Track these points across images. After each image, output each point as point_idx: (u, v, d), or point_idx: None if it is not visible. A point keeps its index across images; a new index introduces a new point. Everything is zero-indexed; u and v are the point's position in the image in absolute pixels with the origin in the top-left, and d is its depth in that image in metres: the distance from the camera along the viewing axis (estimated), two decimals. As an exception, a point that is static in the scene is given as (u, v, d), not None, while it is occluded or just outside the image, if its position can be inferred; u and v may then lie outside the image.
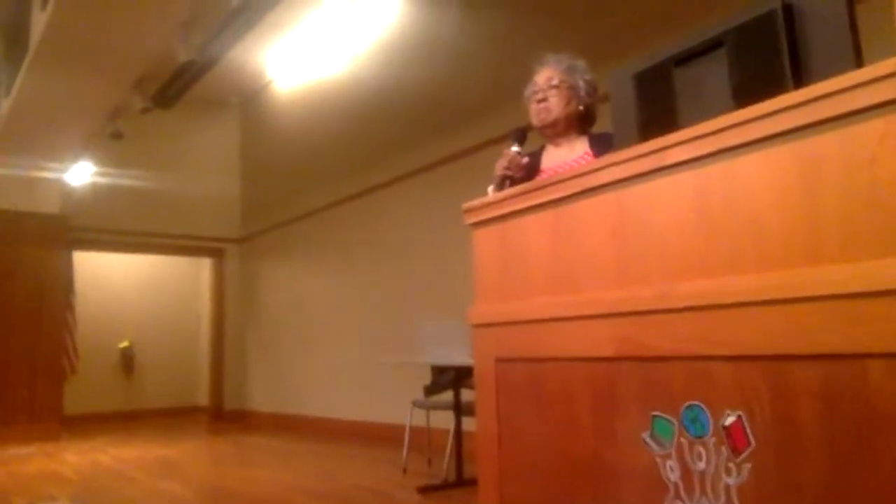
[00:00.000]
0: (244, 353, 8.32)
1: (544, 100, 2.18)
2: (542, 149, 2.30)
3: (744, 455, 1.04)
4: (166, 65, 5.72)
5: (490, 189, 2.03)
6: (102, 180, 7.39)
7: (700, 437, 1.09)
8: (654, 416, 1.15)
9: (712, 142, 1.10)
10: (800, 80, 1.12)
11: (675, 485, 1.12)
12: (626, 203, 1.25)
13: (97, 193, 7.44)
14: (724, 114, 1.11)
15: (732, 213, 1.08)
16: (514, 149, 2.05)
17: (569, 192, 1.37)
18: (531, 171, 2.17)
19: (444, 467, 3.92)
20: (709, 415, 1.09)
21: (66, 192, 7.26)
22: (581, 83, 2.21)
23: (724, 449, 1.06)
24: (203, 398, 9.04)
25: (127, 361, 9.08)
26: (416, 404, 4.26)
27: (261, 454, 5.64)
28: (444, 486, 3.73)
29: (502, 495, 1.44)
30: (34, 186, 6.97)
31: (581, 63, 2.26)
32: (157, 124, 7.24)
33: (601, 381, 1.26)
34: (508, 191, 1.55)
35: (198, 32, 5.34)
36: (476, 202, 1.63)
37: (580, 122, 2.23)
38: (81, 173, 7.19)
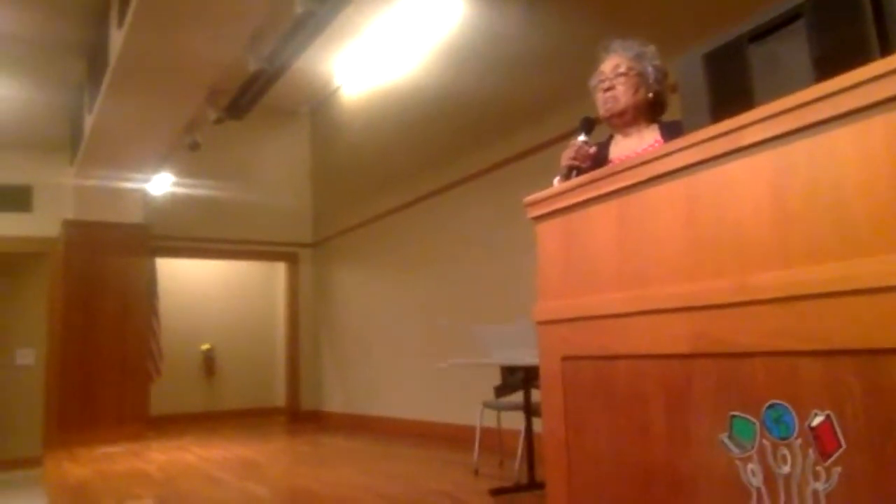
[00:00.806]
0: (318, 354, 8.47)
1: (611, 88, 2.09)
2: (609, 139, 2.21)
3: (833, 458, 0.95)
4: (237, 76, 5.89)
5: (556, 181, 1.97)
6: (181, 190, 7.68)
7: (784, 439, 1.01)
8: (733, 417, 1.07)
9: (795, 117, 1.01)
10: (887, 49, 1.02)
11: (758, 490, 1.04)
12: (699, 189, 1.17)
13: (176, 202, 7.73)
14: (805, 89, 1.02)
15: (815, 196, 0.99)
16: (581, 138, 1.98)
17: (636, 180, 1.30)
18: (599, 161, 2.09)
19: (516, 469, 3.87)
20: (794, 414, 1.00)
21: (147, 202, 7.57)
22: (650, 69, 2.11)
23: (811, 451, 0.98)
24: (280, 399, 9.26)
25: (208, 364, 9.40)
26: (486, 405, 4.22)
27: (336, 455, 5.71)
28: (517, 489, 3.67)
29: (571, 499, 1.39)
30: (118, 198, 7.30)
31: (650, 48, 2.15)
32: (231, 134, 7.47)
33: (675, 380, 1.18)
34: (571, 181, 1.49)
35: (266, 42, 5.47)
36: (538, 195, 1.58)
37: (650, 110, 2.13)
38: (161, 184, 7.48)
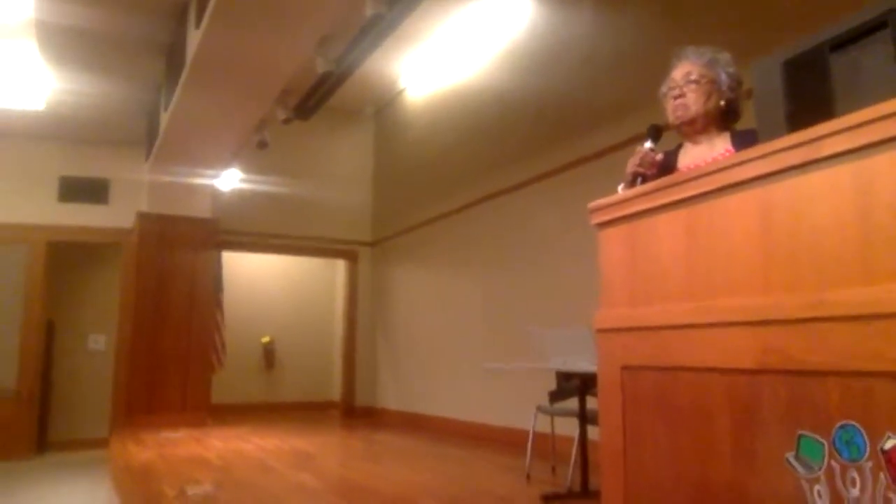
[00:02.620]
0: (374, 351, 8.57)
1: (682, 96, 2.04)
2: (678, 147, 2.17)
3: (908, 484, 0.91)
4: (306, 77, 6.03)
5: (620, 188, 1.94)
6: (248, 186, 7.90)
7: (854, 461, 0.97)
8: (801, 436, 1.04)
9: (878, 129, 0.97)
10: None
11: (826, 513, 1.00)
12: (773, 200, 1.14)
13: (243, 198, 7.95)
14: (890, 100, 0.98)
15: (900, 210, 0.95)
16: (648, 145, 1.96)
17: (707, 189, 1.27)
18: (666, 169, 2.04)
19: (569, 476, 3.83)
20: (866, 436, 0.96)
21: (216, 198, 7.81)
22: (723, 76, 2.05)
23: (882, 476, 0.94)
24: (336, 394, 9.40)
25: (268, 356, 9.64)
26: (540, 410, 4.19)
27: (388, 452, 5.77)
28: (569, 496, 3.63)
29: (628, 510, 1.37)
30: (189, 192, 7.56)
31: (724, 56, 2.09)
32: (297, 133, 7.64)
33: (740, 395, 1.15)
34: (639, 188, 1.47)
35: (335, 44, 5.57)
36: (603, 201, 1.56)
37: (721, 118, 2.07)
38: (230, 180, 7.71)
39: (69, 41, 5.80)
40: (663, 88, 2.13)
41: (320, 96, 6.61)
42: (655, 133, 2.00)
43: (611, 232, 1.54)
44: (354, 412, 8.46)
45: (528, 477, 4.16)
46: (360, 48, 5.64)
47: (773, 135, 1.22)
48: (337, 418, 8.55)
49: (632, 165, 1.90)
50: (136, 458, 5.14)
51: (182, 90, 5.43)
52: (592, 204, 1.60)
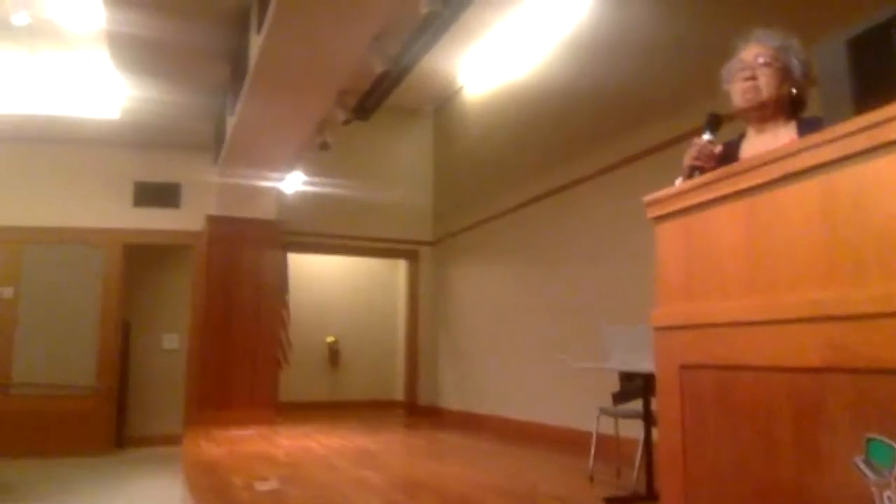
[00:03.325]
0: (436, 351, 8.60)
1: (753, 78, 1.93)
2: (741, 137, 2.07)
3: None
4: (364, 77, 6.09)
5: (678, 182, 1.88)
6: (311, 188, 8.04)
7: (931, 468, 0.91)
8: (870, 439, 0.97)
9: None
10: None
11: (898, 520, 0.94)
12: (837, 189, 1.07)
13: (306, 200, 8.10)
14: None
15: (977, 195, 0.88)
16: (706, 137, 1.88)
17: (766, 179, 1.21)
18: (727, 160, 1.96)
19: (634, 478, 3.74)
20: (944, 441, 0.90)
21: (280, 200, 7.99)
22: (795, 63, 1.93)
23: (962, 483, 0.87)
24: (399, 393, 9.49)
25: (333, 355, 9.81)
26: (603, 411, 4.11)
27: (450, 450, 5.78)
28: (633, 499, 3.55)
29: (687, 513, 1.32)
30: (255, 195, 7.76)
31: (795, 42, 1.96)
32: (358, 134, 7.73)
33: (804, 395, 1.09)
34: (695, 180, 1.41)
35: (392, 43, 5.61)
36: (659, 193, 1.51)
37: (790, 107, 1.95)
38: (294, 182, 7.87)
39: (139, 50, 6.04)
40: (730, 69, 2.00)
41: (378, 96, 6.66)
42: (714, 122, 1.91)
43: (667, 226, 1.48)
44: (417, 411, 8.51)
45: (592, 479, 4.09)
46: (416, 46, 5.66)
47: (839, 118, 1.15)
48: (400, 417, 8.63)
49: (689, 158, 1.83)
50: (207, 453, 5.31)
51: (246, 95, 5.57)
52: (648, 197, 1.55)
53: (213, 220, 7.74)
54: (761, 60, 1.93)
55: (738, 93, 1.96)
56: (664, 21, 4.93)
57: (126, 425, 8.20)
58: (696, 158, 1.81)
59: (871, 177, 1.01)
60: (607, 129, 5.49)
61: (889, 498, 0.94)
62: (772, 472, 1.13)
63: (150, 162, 8.05)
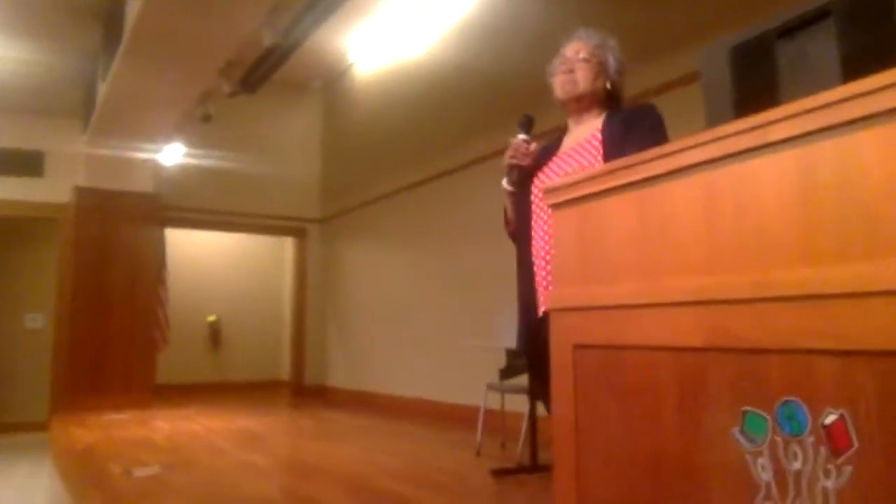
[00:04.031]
0: (324, 330, 8.53)
1: (571, 71, 2.09)
2: (563, 133, 2.23)
3: (845, 457, 0.96)
4: (251, 49, 5.87)
5: (504, 182, 2.11)
6: (192, 161, 7.70)
7: (796, 436, 1.02)
8: (746, 412, 1.08)
9: (822, 116, 1.01)
10: (920, 51, 1.02)
11: (767, 484, 1.05)
12: (719, 184, 1.17)
13: (187, 173, 7.75)
14: (833, 88, 1.02)
15: (841, 196, 0.99)
16: (521, 137, 2.04)
17: (654, 173, 1.30)
18: (551, 154, 2.11)
19: (518, 451, 3.91)
20: (807, 412, 1.01)
21: (158, 172, 7.60)
22: (611, 60, 2.12)
23: (822, 449, 0.99)
24: (285, 373, 9.35)
25: (214, 335, 9.49)
26: (490, 387, 4.25)
27: (339, 430, 5.78)
28: (518, 471, 3.71)
29: (579, 485, 1.40)
30: (130, 166, 7.33)
31: (612, 41, 2.16)
32: (243, 107, 7.47)
33: (688, 373, 1.19)
34: (588, 171, 1.49)
35: (282, 17, 5.44)
36: (557, 182, 1.58)
37: (606, 100, 2.13)
38: (173, 154, 7.50)
39: (1, 5, 5.51)
40: (552, 65, 2.18)
41: (266, 69, 6.46)
42: (527, 124, 2.12)
43: (562, 213, 1.55)
44: (304, 391, 8.42)
45: (479, 453, 4.23)
46: (307, 21, 5.53)
47: (720, 120, 1.25)
48: (286, 397, 8.51)
49: (507, 157, 2.02)
50: (80, 440, 5.03)
51: (120, 60, 5.23)
52: (547, 186, 1.62)
53: (81, 192, 7.24)
54: (580, 56, 2.08)
55: (558, 85, 2.13)
56: (555, 11, 5.07)
57: (-17, 412, 7.60)
58: (513, 157, 2.02)
59: (752, 175, 1.11)
60: (497, 114, 5.60)
61: (762, 465, 1.05)
62: (659, 444, 1.22)
63: (10, 127, 7.40)
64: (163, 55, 5.09)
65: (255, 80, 6.72)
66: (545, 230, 2.01)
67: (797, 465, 1.01)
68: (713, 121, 1.32)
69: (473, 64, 5.93)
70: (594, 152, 1.96)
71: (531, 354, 2.13)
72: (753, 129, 1.10)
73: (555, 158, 2.10)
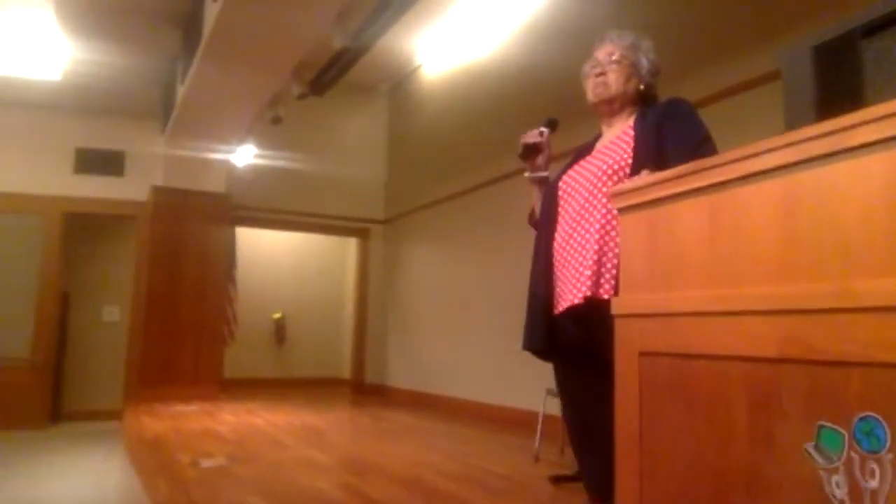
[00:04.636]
0: (385, 330, 8.62)
1: (603, 74, 2.07)
2: (596, 138, 2.19)
3: (927, 477, 0.91)
4: (321, 52, 6.00)
5: (526, 174, 2.32)
6: (261, 162, 7.90)
7: (874, 453, 0.97)
8: (821, 427, 1.04)
9: (910, 120, 0.96)
10: None
11: (842, 502, 1.01)
12: (799, 189, 1.13)
13: (257, 174, 7.96)
14: (924, 89, 0.97)
15: (931, 203, 0.94)
16: (542, 128, 2.21)
17: (730, 177, 1.26)
18: (584, 155, 2.14)
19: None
20: (887, 428, 0.96)
21: (230, 173, 7.83)
22: (644, 61, 2.07)
23: (903, 468, 0.94)
24: (346, 371, 9.48)
25: (279, 332, 9.71)
26: (550, 393, 4.20)
27: (398, 429, 5.82)
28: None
29: (643, 495, 1.37)
30: (204, 167, 7.58)
31: (646, 42, 2.11)
32: (312, 109, 7.62)
33: (760, 384, 1.15)
34: (660, 174, 1.46)
35: (352, 20, 5.53)
36: (625, 186, 1.55)
37: (638, 102, 2.09)
38: (244, 155, 7.72)
39: (86, 10, 5.79)
40: (585, 68, 2.16)
41: (336, 72, 6.58)
42: (551, 124, 2.24)
43: (631, 217, 1.53)
44: (364, 389, 8.52)
45: (537, 458, 4.19)
46: (377, 24, 5.60)
47: (801, 121, 1.20)
48: (347, 395, 8.63)
49: (526, 138, 2.19)
50: (150, 429, 5.22)
51: (199, 63, 5.42)
52: (613, 189, 1.60)
53: (158, 191, 7.53)
54: (612, 58, 2.03)
55: (590, 88, 2.11)
56: (623, 13, 4.99)
57: (63, 399, 7.98)
58: (526, 136, 2.18)
59: (833, 180, 1.07)
60: (565, 114, 5.53)
61: (837, 482, 1.01)
62: (726, 457, 1.19)
63: (94, 128, 7.76)
64: (239, 57, 5.25)
65: (324, 83, 6.85)
66: (571, 225, 1.98)
67: (874, 483, 0.96)
68: (793, 123, 1.28)
69: (539, 66, 5.89)
70: (625, 147, 1.93)
71: (545, 354, 2.10)
72: (836, 132, 1.06)
73: (587, 157, 2.09)
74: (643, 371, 1.42)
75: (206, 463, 3.93)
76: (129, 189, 7.81)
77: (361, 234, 8.87)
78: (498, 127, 6.54)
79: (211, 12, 4.90)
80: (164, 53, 6.80)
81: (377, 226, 8.85)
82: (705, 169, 1.33)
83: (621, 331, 1.50)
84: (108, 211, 7.87)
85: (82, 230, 8.12)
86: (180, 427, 5.33)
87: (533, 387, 4.71)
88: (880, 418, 0.97)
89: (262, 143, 7.72)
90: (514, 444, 4.79)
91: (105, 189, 7.77)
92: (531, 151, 2.24)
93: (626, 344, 1.48)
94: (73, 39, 6.23)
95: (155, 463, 4.08)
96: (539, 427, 4.24)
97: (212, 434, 5.06)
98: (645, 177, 1.56)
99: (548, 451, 4.32)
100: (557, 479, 3.58)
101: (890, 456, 0.95)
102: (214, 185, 7.72)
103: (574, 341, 1.95)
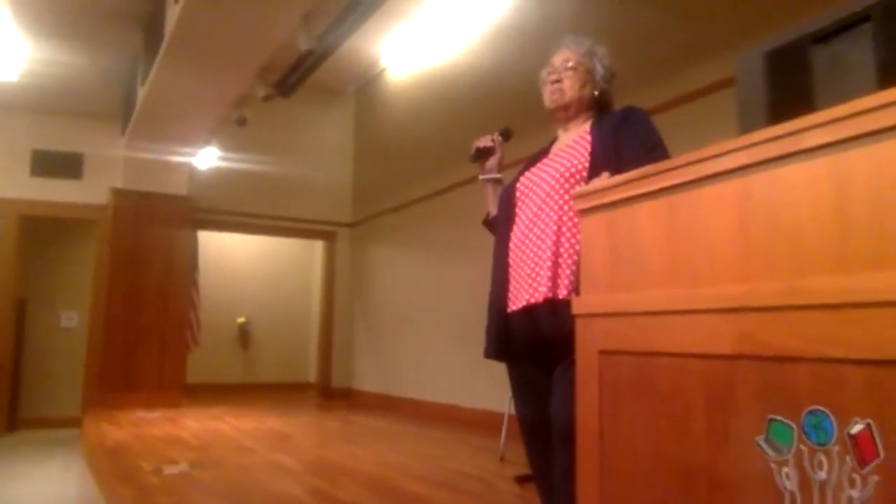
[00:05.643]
0: (352, 333, 8.58)
1: (558, 81, 2.10)
2: (552, 142, 2.24)
3: (871, 467, 0.95)
4: (287, 54, 5.96)
5: (480, 176, 2.37)
6: (225, 164, 7.82)
7: (822, 445, 1.01)
8: (772, 420, 1.07)
9: (857, 123, 1.00)
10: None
11: (791, 493, 1.04)
12: (752, 190, 1.16)
13: (220, 177, 7.87)
14: (868, 95, 1.00)
15: (876, 203, 0.97)
16: (496, 135, 2.30)
17: (687, 179, 1.29)
18: (540, 158, 2.17)
19: (544, 459, 3.87)
20: (834, 421, 1.00)
21: (193, 175, 7.72)
22: (599, 68, 2.11)
23: (848, 459, 0.97)
24: (312, 375, 9.41)
25: (244, 336, 9.61)
26: (516, 394, 4.23)
27: (365, 432, 5.80)
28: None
29: (603, 491, 1.40)
30: (166, 169, 7.47)
31: (601, 48, 2.16)
32: (277, 111, 7.57)
33: (716, 380, 1.18)
34: (620, 177, 1.48)
35: (318, 22, 5.51)
36: (586, 188, 1.58)
37: (593, 108, 2.13)
38: (208, 157, 7.63)
39: (44, 9, 5.67)
40: (542, 74, 2.19)
41: (301, 74, 6.55)
42: (505, 133, 2.32)
43: (592, 219, 1.55)
44: (330, 393, 8.48)
45: (503, 458, 4.22)
46: (343, 26, 5.60)
47: (754, 125, 1.24)
48: (313, 399, 8.57)
49: (479, 142, 2.24)
50: (110, 436, 5.12)
51: (160, 63, 5.34)
52: (575, 191, 1.62)
53: (118, 194, 7.40)
54: (568, 64, 2.08)
55: (547, 94, 2.14)
56: (591, 11, 5.06)
57: (20, 406, 7.78)
58: (481, 141, 2.25)
59: (785, 181, 1.10)
60: (529, 120, 5.58)
61: (787, 474, 1.04)
62: (684, 452, 1.21)
63: (51, 129, 7.60)
64: (201, 58, 5.19)
65: (290, 85, 6.81)
66: (527, 225, 2.01)
67: (822, 474, 1.00)
68: (746, 127, 1.31)
69: (505, 69, 5.94)
70: (582, 150, 1.97)
71: (501, 354, 2.12)
72: (787, 135, 1.09)
73: (544, 160, 2.12)
74: (603, 369, 1.45)
75: (170, 469, 3.87)
76: (87, 192, 7.66)
77: (328, 237, 8.83)
78: (463, 131, 6.55)
79: (173, 12, 4.84)
80: (124, 53, 6.68)
81: (344, 229, 8.82)
82: (664, 171, 1.36)
83: (582, 330, 1.53)
84: (66, 214, 7.70)
85: (40, 234, 7.93)
86: (142, 434, 5.24)
87: (498, 388, 4.74)
88: (828, 412, 1.00)
89: (226, 145, 7.63)
90: (480, 445, 4.82)
91: (63, 192, 7.61)
92: (483, 154, 2.30)
93: (587, 343, 1.50)
94: (31, 39, 6.10)
95: (116, 471, 4.00)
96: (504, 428, 4.27)
97: (175, 440, 4.99)
98: (605, 179, 1.58)
99: (513, 451, 4.35)
100: (522, 479, 3.61)
101: (837, 448, 0.99)
102: (176, 187, 7.61)
103: (527, 340, 1.97)
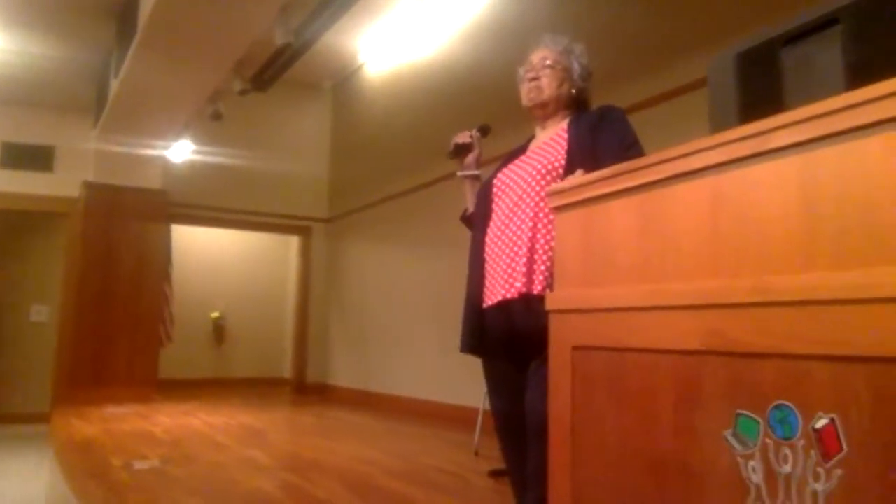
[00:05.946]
0: (327, 328, 8.55)
1: (536, 79, 2.12)
2: (529, 139, 2.26)
3: (834, 461, 0.97)
4: (264, 48, 5.91)
5: (458, 173, 2.39)
6: (200, 158, 7.73)
7: (787, 439, 1.03)
8: (739, 415, 1.09)
9: (823, 124, 1.02)
10: (923, 61, 1.03)
11: (757, 486, 1.06)
12: (723, 189, 1.18)
13: (195, 171, 7.79)
14: (836, 96, 1.03)
15: (842, 203, 0.99)
16: (474, 131, 2.32)
17: (658, 177, 1.31)
18: (517, 156, 2.19)
19: (518, 454, 3.90)
20: (799, 416, 1.02)
21: (167, 169, 7.63)
22: (576, 66, 2.14)
23: (813, 453, 1.00)
24: (287, 370, 9.36)
25: (218, 331, 9.52)
26: (491, 390, 4.25)
27: (340, 428, 5.79)
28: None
29: (574, 484, 1.41)
30: (139, 163, 7.37)
31: (578, 46, 2.19)
32: (253, 106, 7.50)
33: (685, 376, 1.20)
34: (594, 174, 1.50)
35: (294, 16, 5.47)
36: (560, 185, 1.59)
37: (572, 106, 2.16)
38: (182, 151, 7.54)
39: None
40: (520, 71, 2.21)
41: (278, 68, 6.50)
42: (483, 129, 2.36)
43: (566, 216, 1.56)
44: (305, 389, 8.44)
45: (477, 453, 4.23)
46: (319, 21, 5.56)
47: (725, 125, 1.26)
48: (287, 395, 8.52)
49: (458, 138, 2.25)
50: (80, 432, 5.05)
51: (133, 56, 5.27)
52: (550, 188, 1.63)
53: (90, 187, 7.28)
54: (545, 63, 2.10)
55: (524, 93, 2.16)
56: (566, 15, 5.08)
57: (-14, 402, 7.64)
58: (459, 138, 2.25)
59: (754, 180, 1.12)
60: (508, 115, 5.60)
61: (753, 467, 1.06)
62: (655, 446, 1.23)
63: (21, 121, 7.46)
64: (176, 51, 5.12)
65: (266, 79, 6.76)
66: (504, 222, 2.03)
67: (787, 468, 1.02)
68: (717, 127, 1.33)
69: (483, 66, 5.95)
70: (559, 148, 1.99)
71: (476, 350, 2.13)
72: (756, 135, 1.11)
73: (521, 157, 2.14)
74: (576, 365, 1.46)
75: (140, 465, 3.82)
76: (58, 185, 7.53)
77: (303, 232, 8.78)
78: (440, 127, 6.55)
79: (147, 3, 4.77)
80: (96, 45, 6.58)
81: (319, 224, 8.77)
82: (637, 169, 1.38)
83: (555, 326, 1.54)
84: (36, 207, 7.57)
85: (10, 227, 7.79)
86: (112, 429, 5.17)
87: (472, 383, 4.76)
88: (793, 406, 1.02)
89: (201, 139, 7.55)
90: (455, 440, 4.83)
91: (33, 185, 7.48)
92: (461, 150, 2.31)
93: (560, 338, 1.52)
94: (1, 29, 5.97)
95: (86, 467, 3.94)
96: (479, 423, 4.29)
97: (146, 436, 4.93)
98: (579, 176, 1.60)
99: (487, 447, 4.37)
100: (496, 474, 3.63)
101: (802, 442, 1.01)
102: (149, 181, 7.52)
103: (502, 335, 1.99)
